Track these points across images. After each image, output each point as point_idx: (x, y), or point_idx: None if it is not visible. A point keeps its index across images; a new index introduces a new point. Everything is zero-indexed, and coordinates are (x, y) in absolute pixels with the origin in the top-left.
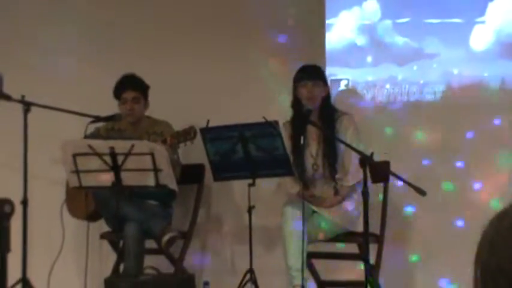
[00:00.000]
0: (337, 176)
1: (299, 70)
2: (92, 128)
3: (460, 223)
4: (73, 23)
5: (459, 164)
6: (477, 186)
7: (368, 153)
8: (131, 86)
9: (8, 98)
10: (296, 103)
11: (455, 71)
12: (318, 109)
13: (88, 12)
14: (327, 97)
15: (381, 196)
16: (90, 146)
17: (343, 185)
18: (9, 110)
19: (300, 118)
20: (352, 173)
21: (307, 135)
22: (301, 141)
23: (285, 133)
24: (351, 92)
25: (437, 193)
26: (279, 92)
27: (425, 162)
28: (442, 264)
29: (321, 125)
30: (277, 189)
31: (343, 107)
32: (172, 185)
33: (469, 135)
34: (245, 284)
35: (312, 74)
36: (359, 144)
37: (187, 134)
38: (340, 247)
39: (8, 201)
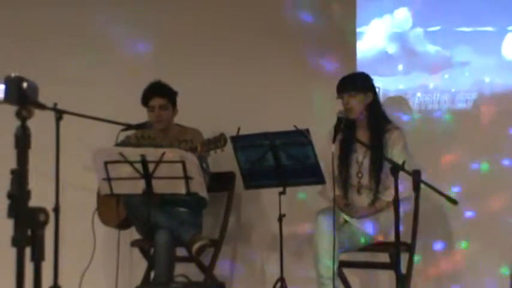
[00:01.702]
0: (380, 188)
1: (338, 82)
2: (123, 135)
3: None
4: (104, 32)
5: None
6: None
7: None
8: (158, 93)
9: (42, 107)
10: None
11: (487, 80)
12: (366, 118)
13: (119, 22)
14: (374, 104)
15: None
16: (121, 154)
17: (381, 199)
18: (42, 117)
19: (347, 127)
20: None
21: (356, 143)
22: (332, 149)
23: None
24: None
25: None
26: (310, 100)
27: (457, 171)
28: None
29: (369, 133)
30: (321, 190)
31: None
32: (203, 192)
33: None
34: None
35: (345, 86)
36: (404, 162)
37: (217, 142)
38: (372, 256)
39: (42, 210)
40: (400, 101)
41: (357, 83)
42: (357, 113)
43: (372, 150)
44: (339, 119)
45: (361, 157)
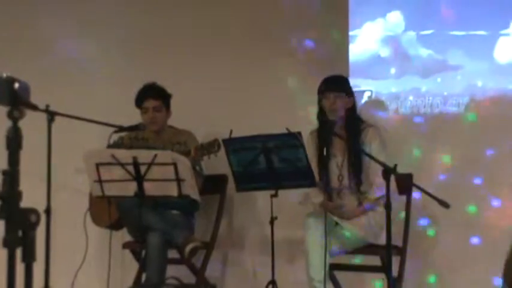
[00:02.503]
0: (361, 189)
1: (322, 81)
2: (115, 137)
3: (475, 240)
4: (97, 33)
5: (477, 180)
6: (495, 203)
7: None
8: (152, 95)
9: (34, 107)
10: (321, 114)
11: (480, 83)
12: (343, 120)
13: (112, 22)
14: (353, 108)
15: (401, 214)
16: (113, 156)
17: (368, 197)
18: (34, 119)
19: (324, 129)
20: (377, 186)
21: (333, 146)
22: (324, 153)
23: (312, 142)
24: (375, 103)
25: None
26: (302, 103)
27: (447, 175)
28: (459, 280)
29: (346, 136)
30: (303, 199)
31: (368, 119)
32: (195, 195)
33: (491, 150)
34: None
35: (334, 85)
36: (383, 157)
37: (211, 147)
38: (361, 259)
39: (33, 211)
40: (378, 102)
41: (345, 85)
42: (339, 114)
43: (350, 148)
44: (331, 122)
45: (340, 160)
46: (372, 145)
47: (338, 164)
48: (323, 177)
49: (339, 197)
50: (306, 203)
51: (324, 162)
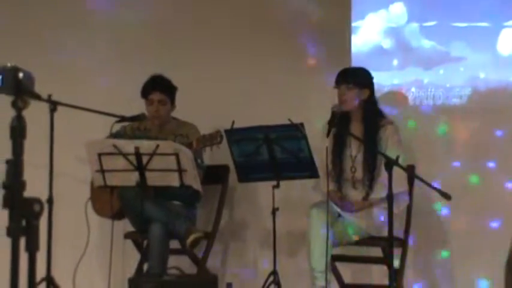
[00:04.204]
0: (373, 184)
1: (337, 73)
2: (117, 126)
3: (494, 224)
4: (100, 23)
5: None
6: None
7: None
8: (158, 88)
9: (38, 97)
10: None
11: (482, 75)
12: (361, 112)
13: (115, 14)
14: (369, 100)
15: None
16: (115, 146)
17: (375, 194)
18: (36, 109)
19: (341, 121)
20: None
21: (349, 138)
22: (326, 144)
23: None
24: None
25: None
26: (303, 95)
27: (454, 164)
28: (475, 263)
29: (363, 128)
30: (315, 185)
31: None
32: (197, 185)
33: (498, 135)
34: (268, 285)
35: (343, 77)
36: (398, 156)
37: (213, 139)
38: (365, 250)
39: (37, 201)
40: (396, 95)
41: (356, 77)
42: (350, 105)
43: (365, 145)
44: (333, 114)
45: (354, 151)
46: (388, 142)
47: (352, 155)
48: (336, 167)
49: (352, 187)
50: (317, 189)
51: (339, 151)
